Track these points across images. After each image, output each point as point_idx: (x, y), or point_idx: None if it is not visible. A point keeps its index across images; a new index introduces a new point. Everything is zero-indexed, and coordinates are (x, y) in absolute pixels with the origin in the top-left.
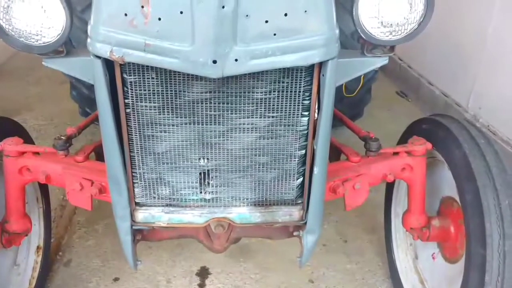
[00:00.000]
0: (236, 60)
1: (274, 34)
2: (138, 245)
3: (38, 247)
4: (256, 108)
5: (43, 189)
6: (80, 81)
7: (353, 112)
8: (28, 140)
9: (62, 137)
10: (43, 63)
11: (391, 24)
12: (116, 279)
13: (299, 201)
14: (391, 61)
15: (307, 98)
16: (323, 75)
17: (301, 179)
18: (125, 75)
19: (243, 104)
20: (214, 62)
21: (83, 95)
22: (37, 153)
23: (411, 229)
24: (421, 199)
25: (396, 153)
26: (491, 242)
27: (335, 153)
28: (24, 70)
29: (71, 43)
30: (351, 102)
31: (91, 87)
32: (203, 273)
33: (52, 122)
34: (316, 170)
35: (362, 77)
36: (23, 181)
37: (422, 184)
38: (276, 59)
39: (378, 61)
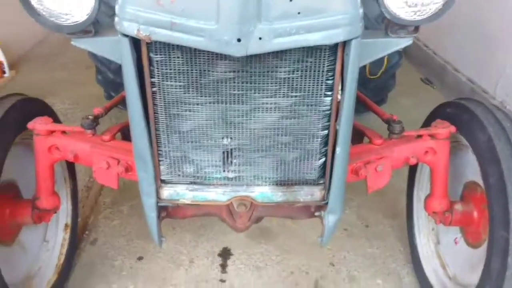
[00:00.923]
0: (260, 38)
1: (298, 13)
2: (161, 225)
3: (66, 225)
4: (279, 88)
5: (71, 169)
6: (105, 66)
7: (377, 98)
8: (56, 120)
9: (89, 116)
10: (72, 42)
11: (415, 4)
12: (140, 258)
13: (321, 181)
14: (416, 48)
15: (330, 78)
16: (347, 55)
17: (323, 159)
18: (151, 54)
19: (267, 83)
20: (239, 40)
21: (108, 79)
22: (65, 132)
23: (433, 213)
24: (444, 183)
25: (419, 136)
26: None
27: (358, 136)
28: (50, 56)
29: (99, 23)
30: (375, 87)
31: (116, 71)
32: (225, 254)
33: (78, 106)
34: (338, 150)
35: (385, 59)
36: (53, 159)
37: (445, 168)
38: (300, 38)
39: (402, 42)
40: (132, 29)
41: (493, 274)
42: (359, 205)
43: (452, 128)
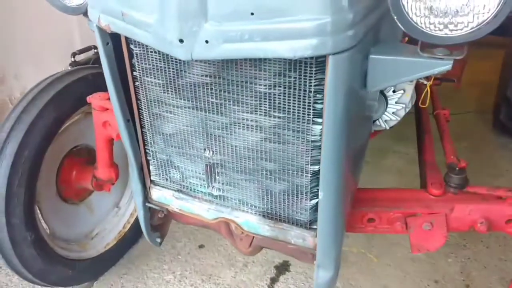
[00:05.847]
0: (206, 42)
1: (252, 14)
2: None
3: None
4: (260, 103)
5: None
6: None
7: None
8: None
9: None
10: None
11: (445, 13)
12: (201, 246)
13: (314, 226)
14: None
15: (319, 102)
16: (330, 74)
17: (316, 200)
18: (131, 46)
19: (245, 96)
20: (181, 41)
21: None
22: None
23: None
24: None
25: (500, 198)
26: None
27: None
28: None
29: None
30: None
31: None
32: (282, 268)
33: None
34: (321, 194)
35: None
36: (107, 134)
37: None
38: (255, 46)
39: (437, 65)
40: (95, 17)
41: None
42: (472, 255)
43: None
